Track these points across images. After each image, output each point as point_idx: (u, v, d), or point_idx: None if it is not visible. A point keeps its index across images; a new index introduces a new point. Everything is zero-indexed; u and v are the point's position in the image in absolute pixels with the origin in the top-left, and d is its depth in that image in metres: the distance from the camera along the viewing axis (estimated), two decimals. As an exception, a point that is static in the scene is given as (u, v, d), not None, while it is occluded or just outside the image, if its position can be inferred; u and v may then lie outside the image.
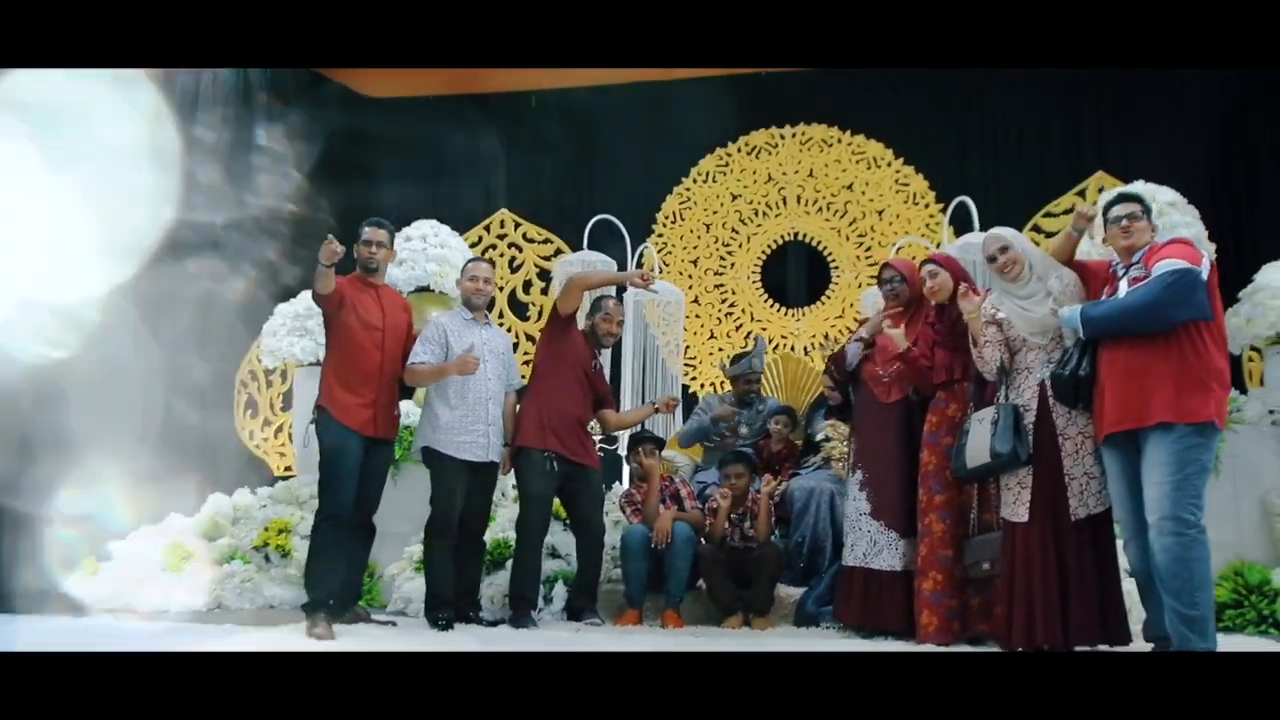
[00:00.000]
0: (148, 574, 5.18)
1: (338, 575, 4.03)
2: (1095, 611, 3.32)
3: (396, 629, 4.17)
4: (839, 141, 7.51)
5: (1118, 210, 3.42)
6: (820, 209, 7.47)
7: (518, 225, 7.46)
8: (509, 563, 4.45)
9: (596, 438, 4.85)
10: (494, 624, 4.26)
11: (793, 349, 7.10)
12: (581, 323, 4.71)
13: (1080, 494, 3.39)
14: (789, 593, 4.47)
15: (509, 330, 6.99)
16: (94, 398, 5.09)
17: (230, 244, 6.36)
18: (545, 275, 7.32)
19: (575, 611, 4.38)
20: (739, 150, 7.66)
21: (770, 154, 7.60)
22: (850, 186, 7.43)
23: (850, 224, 7.41)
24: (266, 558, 5.33)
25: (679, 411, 5.92)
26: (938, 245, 6.64)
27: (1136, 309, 3.17)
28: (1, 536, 4.96)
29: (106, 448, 5.05)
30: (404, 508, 4.88)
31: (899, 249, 6.84)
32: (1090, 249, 4.56)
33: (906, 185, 7.35)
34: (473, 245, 7.12)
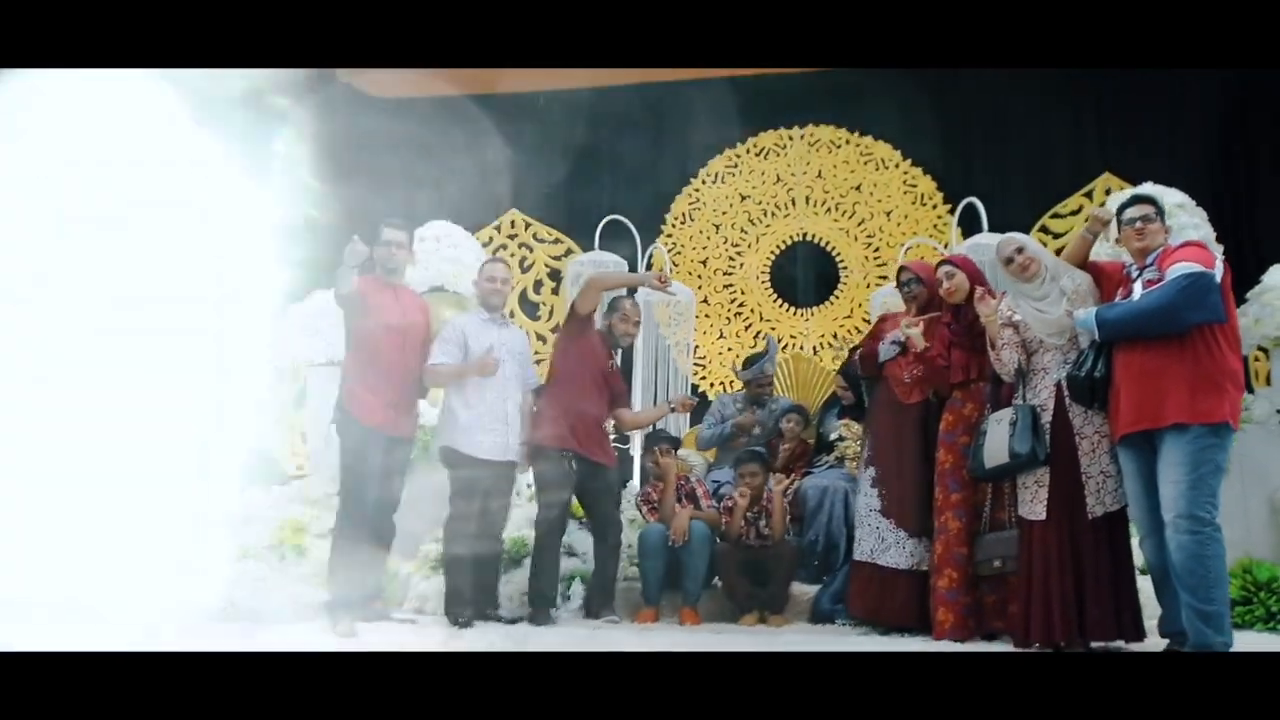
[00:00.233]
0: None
1: (359, 573, 4.07)
2: (1111, 608, 3.37)
3: (416, 626, 4.21)
4: (847, 143, 7.55)
5: (1132, 212, 3.47)
6: (829, 210, 7.52)
7: (528, 225, 7.51)
8: (527, 561, 4.49)
9: (610, 436, 4.89)
10: (513, 622, 4.31)
11: (802, 349, 7.14)
12: (598, 323, 4.76)
13: (1097, 492, 3.44)
14: (804, 590, 4.53)
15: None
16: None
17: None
18: (556, 275, 7.37)
19: (593, 609, 4.43)
20: (748, 151, 7.70)
21: (779, 155, 7.65)
22: (859, 187, 7.48)
23: (859, 225, 7.45)
24: (282, 556, 5.37)
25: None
26: (946, 246, 6.69)
27: (1151, 312, 3.22)
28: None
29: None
30: (419, 506, 4.91)
31: (907, 249, 6.89)
32: (1100, 249, 4.60)
33: (914, 186, 7.39)
34: (483, 245, 7.16)
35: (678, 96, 7.46)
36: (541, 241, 7.48)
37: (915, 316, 4.13)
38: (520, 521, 4.92)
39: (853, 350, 4.39)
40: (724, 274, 7.60)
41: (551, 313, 7.36)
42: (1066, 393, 3.49)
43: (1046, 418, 3.52)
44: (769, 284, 7.56)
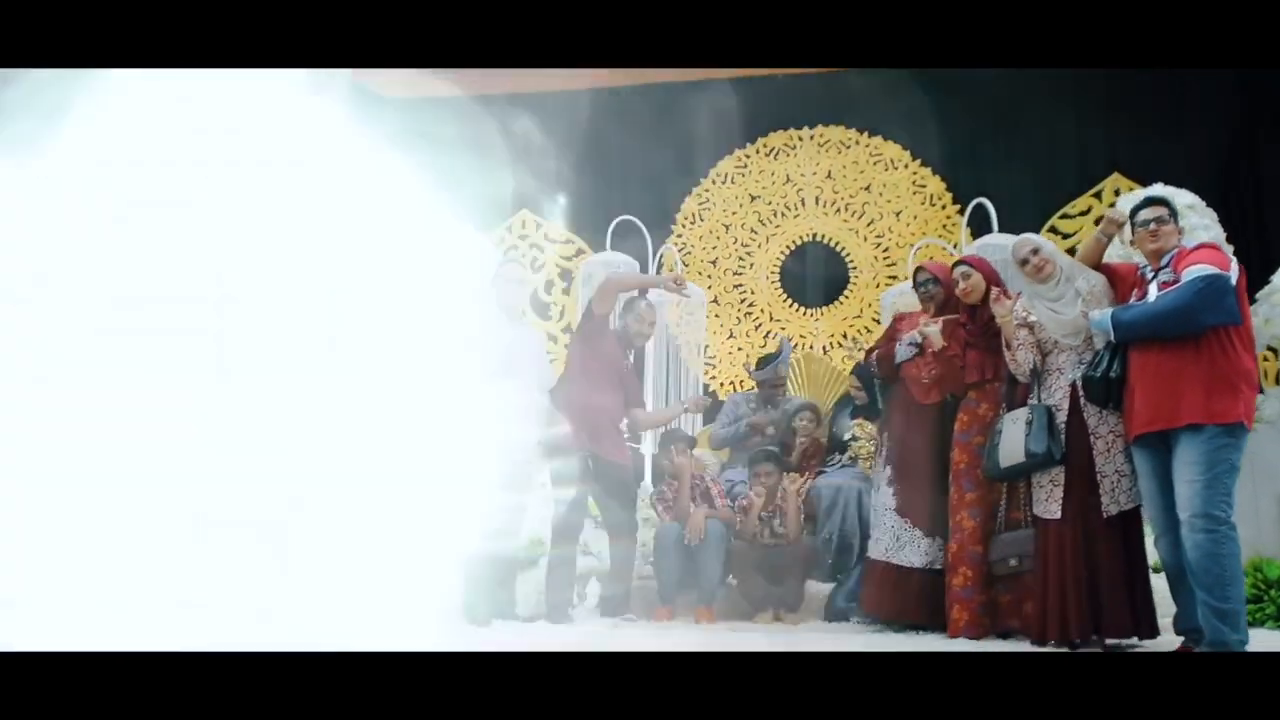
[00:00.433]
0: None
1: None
2: (1126, 606, 3.41)
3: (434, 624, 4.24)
4: (856, 143, 7.58)
5: (1145, 214, 3.49)
6: (838, 210, 7.55)
7: (539, 225, 7.54)
8: (543, 560, 4.53)
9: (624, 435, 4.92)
10: (530, 620, 4.34)
11: (811, 348, 7.17)
12: (613, 323, 4.80)
13: (1112, 491, 3.48)
14: (819, 589, 4.56)
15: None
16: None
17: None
18: (567, 275, 7.40)
19: (609, 608, 4.46)
20: (757, 152, 7.73)
21: (789, 155, 7.68)
22: (868, 188, 7.50)
23: (868, 225, 7.48)
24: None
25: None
26: (955, 246, 6.72)
27: (1168, 313, 3.24)
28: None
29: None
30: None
31: (917, 250, 6.92)
32: (1111, 250, 4.63)
33: (924, 186, 7.42)
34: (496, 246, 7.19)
35: (688, 97, 7.47)
36: (553, 241, 7.51)
37: (933, 317, 4.16)
38: (535, 521, 4.95)
39: (868, 351, 4.42)
40: (734, 274, 7.63)
41: (563, 313, 7.39)
42: (1081, 393, 3.52)
43: (1061, 418, 3.55)
44: (779, 284, 7.59)
